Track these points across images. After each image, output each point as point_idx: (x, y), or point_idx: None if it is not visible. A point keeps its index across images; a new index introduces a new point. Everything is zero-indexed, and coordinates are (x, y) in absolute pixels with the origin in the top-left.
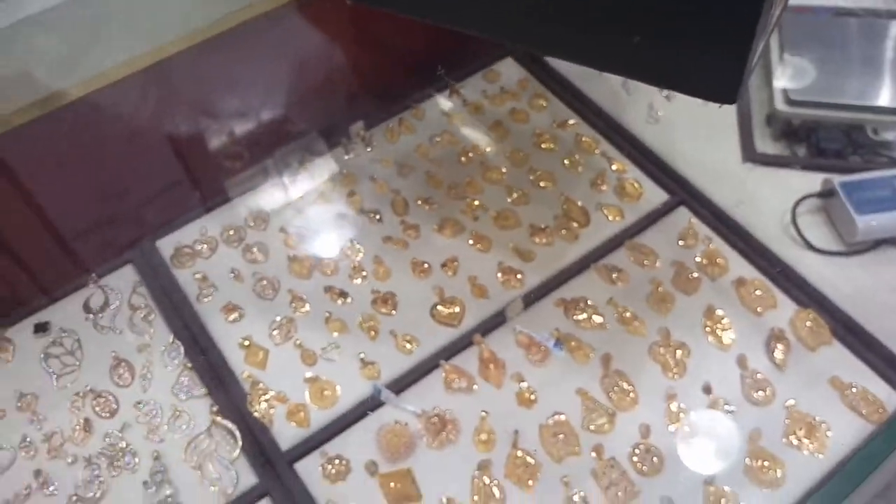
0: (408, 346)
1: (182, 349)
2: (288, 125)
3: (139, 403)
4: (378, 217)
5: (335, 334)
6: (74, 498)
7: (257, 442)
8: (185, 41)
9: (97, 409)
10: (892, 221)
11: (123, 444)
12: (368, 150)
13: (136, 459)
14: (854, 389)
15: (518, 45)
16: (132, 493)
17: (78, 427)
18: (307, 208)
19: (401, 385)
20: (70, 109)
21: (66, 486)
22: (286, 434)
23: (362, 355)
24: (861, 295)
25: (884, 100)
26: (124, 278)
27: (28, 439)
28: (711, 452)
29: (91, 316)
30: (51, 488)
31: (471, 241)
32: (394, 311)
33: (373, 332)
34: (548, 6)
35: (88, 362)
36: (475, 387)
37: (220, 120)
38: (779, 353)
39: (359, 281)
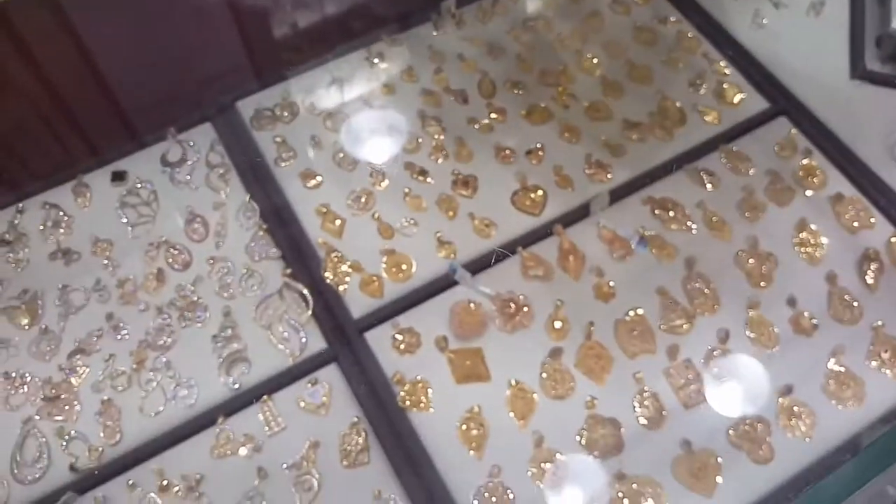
0: (486, 229)
1: (258, 210)
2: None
3: (212, 259)
4: (464, 98)
5: (414, 211)
6: (144, 344)
7: (328, 307)
8: None
9: (170, 260)
10: None
11: (195, 298)
12: (459, 28)
13: (207, 314)
14: None
15: None
16: (201, 345)
17: (151, 276)
18: (392, 84)
19: (477, 267)
20: None
21: (137, 331)
22: (358, 303)
23: (439, 234)
24: None
25: None
26: (203, 135)
27: (102, 283)
28: (788, 366)
29: (168, 169)
30: (123, 332)
31: (559, 131)
32: (474, 194)
33: (451, 213)
34: None
35: (164, 214)
36: (553, 276)
37: None
38: (871, 275)
39: (440, 161)
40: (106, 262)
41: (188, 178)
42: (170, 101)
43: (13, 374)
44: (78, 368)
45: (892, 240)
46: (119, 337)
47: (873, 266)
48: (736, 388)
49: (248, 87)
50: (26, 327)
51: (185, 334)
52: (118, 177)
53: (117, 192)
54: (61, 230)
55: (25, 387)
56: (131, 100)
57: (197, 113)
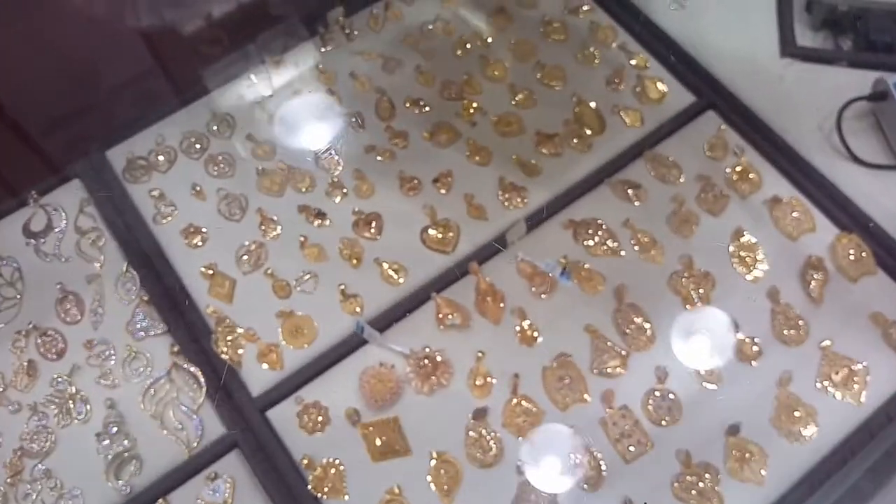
0: (394, 275)
1: (137, 279)
2: (255, 14)
3: (89, 343)
4: (360, 122)
5: (311, 262)
6: (20, 452)
7: (224, 387)
8: None
9: (42, 349)
10: None
11: (73, 390)
12: (350, 41)
13: (88, 407)
14: None
15: None
16: (84, 446)
17: (21, 370)
18: (277, 112)
19: (386, 321)
20: None
21: (10, 437)
22: (257, 378)
23: (342, 287)
24: None
25: None
26: (70, 195)
27: None
28: (733, 400)
29: (32, 241)
30: None
31: (467, 152)
32: (378, 236)
33: (354, 260)
34: None
35: (31, 295)
36: (471, 323)
37: (182, 7)
38: (815, 285)
39: (338, 199)
40: None
41: (56, 248)
42: (28, 159)
43: None
44: None
45: (838, 241)
46: None
47: (817, 275)
48: (678, 433)
49: (118, 133)
50: None
51: (65, 435)
52: None
53: None
54: None
55: None
56: None
57: (61, 170)
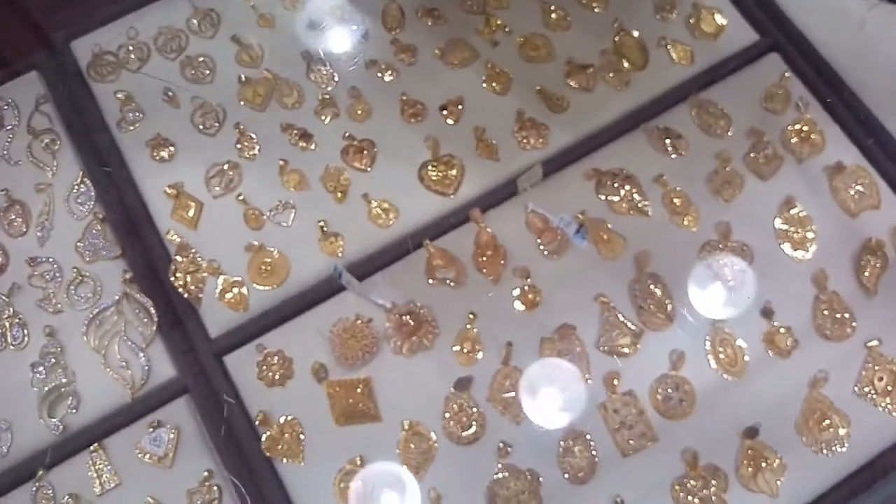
0: (383, 215)
1: (93, 193)
2: None
3: (33, 260)
4: (362, 31)
5: (291, 190)
6: None
7: (179, 323)
8: None
9: None
10: None
11: (10, 311)
12: None
13: (25, 332)
14: None
15: None
16: (18, 376)
17: None
18: (270, 11)
19: (369, 268)
20: None
21: None
22: (217, 317)
23: (322, 223)
24: None
25: None
26: (26, 89)
27: None
28: (756, 398)
29: None
30: None
31: (484, 77)
32: (369, 167)
33: (339, 193)
34: None
35: None
36: (465, 279)
37: None
38: (870, 273)
39: (327, 119)
40: None
41: (5, 150)
42: None
43: None
44: None
45: None
46: None
47: (874, 261)
48: (686, 430)
49: (86, 23)
50: None
51: None
52: None
53: None
54: None
55: None
56: None
57: (19, 58)
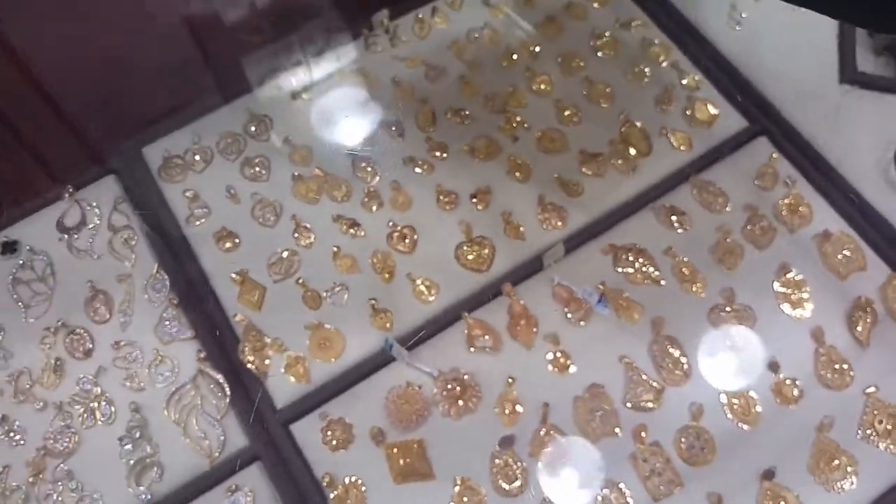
0: (426, 292)
1: (167, 282)
2: (298, 11)
3: (117, 343)
4: (399, 131)
5: (343, 273)
6: (42, 451)
7: (249, 397)
8: None
9: (70, 347)
10: None
11: (98, 391)
12: (393, 45)
13: (113, 409)
14: None
15: None
16: (107, 448)
17: (48, 368)
18: (316, 115)
19: (416, 340)
20: None
21: (34, 435)
22: (282, 390)
23: (373, 301)
24: None
25: None
26: (105, 192)
27: None
28: (770, 443)
29: (65, 236)
30: (17, 437)
31: (507, 168)
32: (412, 250)
33: (387, 274)
34: None
35: (61, 291)
36: (502, 346)
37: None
38: (862, 328)
39: (374, 209)
40: None
41: (89, 245)
42: (66, 151)
43: None
44: None
45: (889, 282)
46: (14, 444)
47: (865, 317)
48: (710, 474)
49: (156, 130)
50: None
51: (89, 436)
52: (9, 248)
53: (8, 266)
54: None
55: None
56: (19, 154)
57: (98, 165)
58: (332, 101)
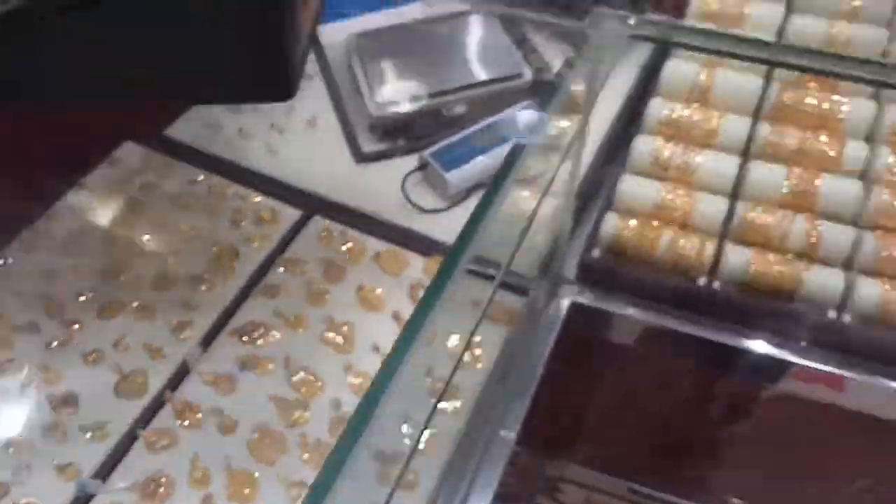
0: (100, 433)
1: None
2: None
3: None
4: (35, 328)
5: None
6: None
7: None
8: None
9: None
10: (473, 171)
11: None
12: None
13: None
14: None
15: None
16: None
17: None
18: None
19: (106, 471)
20: None
21: None
22: None
23: (56, 461)
24: None
25: (446, 85)
26: None
27: None
28: None
29: None
30: None
31: (135, 314)
32: (78, 410)
33: (61, 435)
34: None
35: None
36: (177, 438)
37: None
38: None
39: (31, 391)
40: None
41: None
42: None
43: None
44: None
45: (425, 266)
46: None
47: (419, 291)
48: None
49: None
50: None
51: None
52: None
53: None
54: None
55: None
56: None
57: None
58: None
